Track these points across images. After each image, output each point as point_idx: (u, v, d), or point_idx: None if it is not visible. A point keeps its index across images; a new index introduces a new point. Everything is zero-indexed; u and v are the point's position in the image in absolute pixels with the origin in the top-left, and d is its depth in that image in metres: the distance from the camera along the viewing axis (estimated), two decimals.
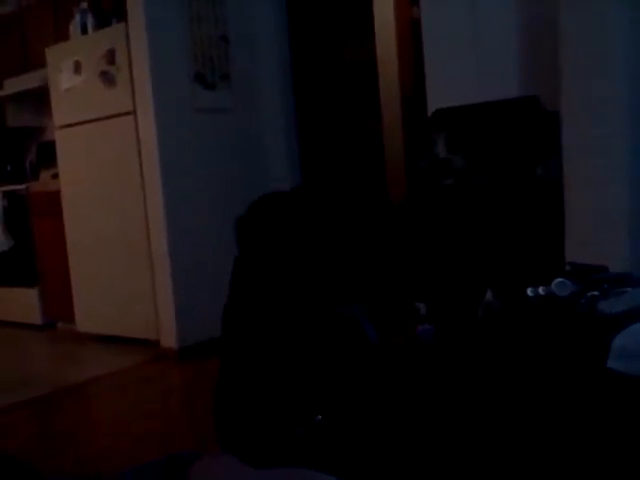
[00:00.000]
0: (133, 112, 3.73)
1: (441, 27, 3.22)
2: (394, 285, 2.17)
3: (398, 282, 2.21)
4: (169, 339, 3.73)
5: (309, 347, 1.66)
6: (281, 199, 1.95)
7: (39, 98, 5.05)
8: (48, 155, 4.84)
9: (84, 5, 4.11)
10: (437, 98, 3.16)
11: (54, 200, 4.31)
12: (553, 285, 1.77)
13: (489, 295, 2.05)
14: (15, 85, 5.10)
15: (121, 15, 3.79)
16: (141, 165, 3.74)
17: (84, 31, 4.04)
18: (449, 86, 3.17)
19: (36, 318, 4.67)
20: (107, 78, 3.83)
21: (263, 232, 1.84)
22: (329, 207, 1.95)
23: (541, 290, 1.78)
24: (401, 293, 2.24)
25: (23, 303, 4.74)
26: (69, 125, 4.15)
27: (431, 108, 3.15)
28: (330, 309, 1.71)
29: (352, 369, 1.69)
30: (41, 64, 4.46)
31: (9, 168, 5.40)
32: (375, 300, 1.90)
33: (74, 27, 4.10)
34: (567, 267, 2.03)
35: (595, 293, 1.73)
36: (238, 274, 1.85)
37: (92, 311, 4.19)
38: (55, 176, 4.50)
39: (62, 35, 4.35)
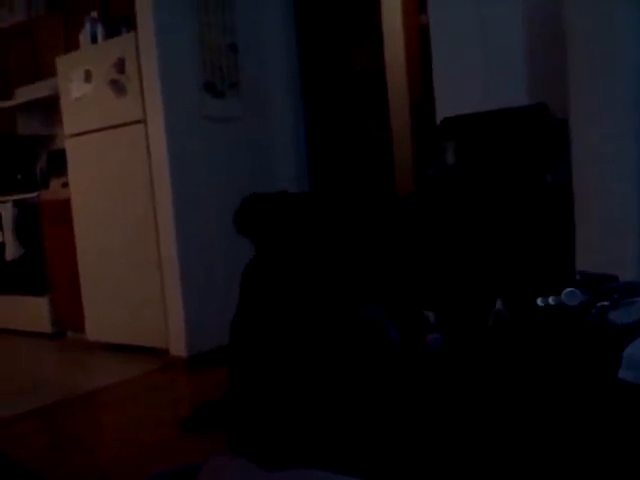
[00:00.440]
0: (143, 121, 3.75)
1: (449, 35, 3.22)
2: (404, 290, 2.16)
3: (407, 288, 2.20)
4: (178, 347, 3.73)
5: (328, 351, 1.66)
6: (295, 200, 1.95)
7: (49, 107, 5.08)
8: (58, 163, 4.87)
9: (94, 14, 4.14)
10: (446, 106, 3.16)
11: (64, 208, 4.33)
12: (563, 295, 1.76)
13: (499, 304, 2.04)
14: (26, 94, 5.14)
15: (131, 24, 3.81)
16: (151, 173, 3.75)
17: (94, 40, 4.07)
18: (458, 94, 3.17)
19: (46, 327, 4.68)
20: (117, 87, 3.85)
21: (278, 235, 1.84)
22: (342, 209, 1.95)
23: (551, 300, 1.77)
24: (411, 300, 2.23)
25: (33, 312, 4.75)
26: (79, 134, 4.17)
27: (440, 116, 3.15)
28: (353, 312, 1.70)
29: (374, 373, 1.68)
30: (51, 73, 4.49)
31: (19, 176, 5.43)
32: (391, 303, 1.90)
33: (84, 36, 4.13)
34: (577, 276, 2.02)
35: (605, 303, 1.71)
36: (251, 278, 1.84)
37: (102, 320, 4.20)
38: (65, 184, 4.53)
39: (72, 44, 4.38)
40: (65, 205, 4.33)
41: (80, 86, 4.08)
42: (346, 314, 1.69)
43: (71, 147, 4.28)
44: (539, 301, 1.81)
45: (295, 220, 1.86)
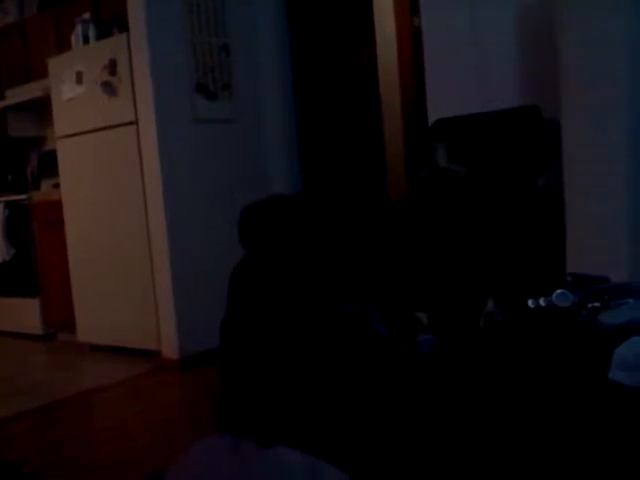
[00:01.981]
0: (135, 122, 3.74)
1: (442, 36, 3.23)
2: (395, 291, 2.17)
3: (399, 288, 2.21)
4: (170, 349, 3.73)
5: (317, 349, 1.66)
6: (284, 202, 1.96)
7: (41, 108, 5.07)
8: (49, 165, 4.86)
9: (86, 15, 4.14)
10: (438, 108, 3.17)
11: (55, 210, 4.32)
12: (554, 296, 1.77)
13: (490, 305, 2.05)
14: (17, 95, 5.12)
15: (122, 25, 3.81)
16: (142, 175, 3.75)
17: (86, 41, 4.07)
18: (450, 96, 3.18)
19: (37, 328, 4.67)
20: (109, 88, 3.84)
21: (268, 235, 1.84)
22: (330, 208, 1.95)
23: (542, 301, 1.78)
24: (402, 300, 2.24)
25: (24, 313, 4.73)
26: (70, 135, 4.16)
27: (432, 118, 3.16)
28: (338, 308, 1.71)
29: (361, 369, 1.69)
30: (43, 74, 4.47)
31: (10, 178, 5.41)
32: (379, 302, 1.90)
33: (76, 37, 4.12)
34: (568, 278, 2.03)
35: (596, 304, 1.73)
36: (239, 280, 1.85)
37: (93, 321, 4.19)
38: (56, 186, 4.52)
39: (64, 45, 4.37)
40: (56, 206, 4.32)
41: (71, 87, 4.07)
42: (333, 311, 1.70)
43: (62, 148, 4.27)
44: (530, 302, 1.82)
45: (282, 221, 1.86)
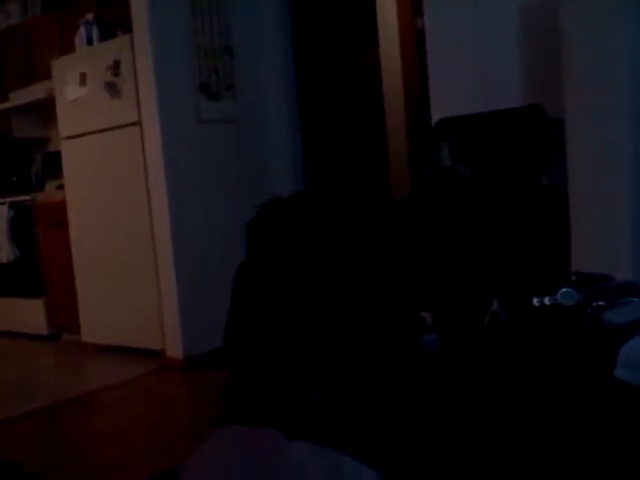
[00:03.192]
0: (138, 123, 3.75)
1: (445, 36, 3.23)
2: (401, 292, 2.17)
3: (403, 288, 2.21)
4: (174, 349, 3.73)
5: (319, 349, 1.66)
6: (288, 203, 1.96)
7: (45, 109, 5.07)
8: (53, 166, 4.86)
9: (89, 17, 4.13)
10: (441, 108, 3.17)
11: (60, 211, 4.32)
12: (559, 295, 1.77)
13: (495, 305, 2.05)
14: (21, 96, 5.13)
15: (126, 27, 3.81)
16: (146, 175, 3.75)
17: (89, 43, 4.07)
18: (453, 96, 3.18)
19: (41, 329, 4.67)
20: (112, 89, 3.84)
21: (274, 237, 1.84)
22: (333, 208, 1.95)
23: (547, 300, 1.78)
24: (407, 301, 2.23)
25: (28, 314, 4.74)
26: (74, 136, 4.16)
27: (435, 117, 3.16)
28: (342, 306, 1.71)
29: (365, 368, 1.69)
30: (47, 75, 4.48)
31: (15, 179, 5.42)
32: (384, 305, 1.90)
33: (79, 39, 4.12)
34: (573, 276, 2.03)
35: (601, 303, 1.72)
36: (243, 280, 1.85)
37: (97, 321, 4.19)
38: (60, 187, 4.52)
39: (68, 46, 4.37)
40: (60, 207, 4.32)
41: (75, 88, 4.08)
42: (337, 312, 1.70)
43: (66, 149, 4.28)
44: (535, 301, 1.81)
45: (284, 221, 1.86)
